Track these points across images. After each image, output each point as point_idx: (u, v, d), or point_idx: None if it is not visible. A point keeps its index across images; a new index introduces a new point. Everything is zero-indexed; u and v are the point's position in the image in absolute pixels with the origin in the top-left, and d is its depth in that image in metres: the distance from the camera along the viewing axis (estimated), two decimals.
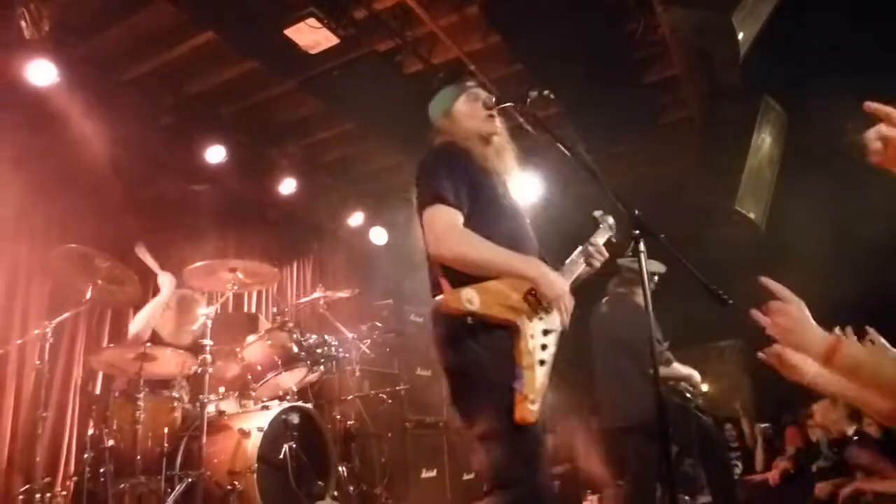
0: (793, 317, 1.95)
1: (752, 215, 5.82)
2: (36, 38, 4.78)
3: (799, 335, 1.94)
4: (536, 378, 2.35)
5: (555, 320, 2.50)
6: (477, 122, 2.82)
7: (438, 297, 2.42)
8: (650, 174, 8.21)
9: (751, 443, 7.82)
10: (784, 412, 8.23)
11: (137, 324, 5.16)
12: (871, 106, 1.79)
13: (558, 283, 2.49)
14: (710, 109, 6.20)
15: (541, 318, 2.47)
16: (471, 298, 2.37)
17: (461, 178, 2.57)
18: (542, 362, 2.40)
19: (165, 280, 5.26)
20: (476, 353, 2.38)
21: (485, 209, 2.59)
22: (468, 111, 2.85)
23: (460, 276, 2.43)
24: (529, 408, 2.27)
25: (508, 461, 2.31)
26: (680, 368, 5.07)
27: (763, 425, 7.76)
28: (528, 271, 2.46)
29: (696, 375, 5.17)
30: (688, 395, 5.07)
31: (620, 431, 5.07)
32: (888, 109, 1.77)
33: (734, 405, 8.82)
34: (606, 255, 2.95)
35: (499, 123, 2.87)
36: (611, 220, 3.09)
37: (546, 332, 2.46)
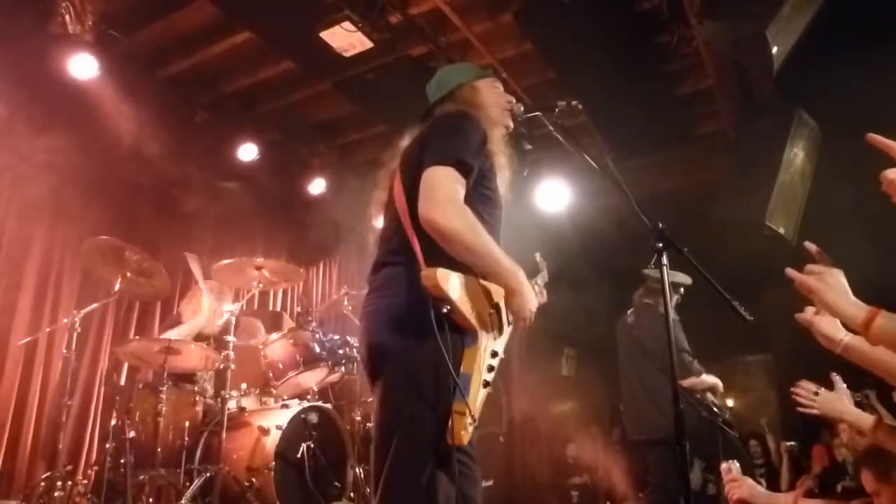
0: (829, 281, 1.96)
1: (781, 230, 5.73)
2: (79, 32, 4.87)
3: (836, 300, 1.95)
4: (478, 398, 2.11)
5: (502, 345, 2.27)
6: (496, 111, 2.66)
7: (425, 270, 2.07)
8: (681, 185, 8.15)
9: (776, 460, 7.73)
10: (811, 429, 8.14)
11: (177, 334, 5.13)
12: (875, 139, 1.80)
13: (532, 305, 2.32)
14: (742, 122, 6.14)
15: (494, 338, 2.23)
16: (455, 286, 2.08)
17: (478, 156, 2.33)
18: (486, 384, 2.15)
19: (209, 297, 5.22)
20: (438, 349, 2.02)
21: (478, 199, 2.32)
22: (490, 95, 2.69)
23: (436, 249, 2.14)
24: (468, 427, 2.01)
25: (416, 476, 2.03)
26: (705, 378, 5.02)
27: (789, 443, 7.67)
28: (513, 279, 2.24)
29: (720, 385, 5.13)
30: (715, 409, 5.03)
31: (644, 444, 5.05)
32: (890, 143, 1.78)
33: (760, 421, 8.73)
34: (545, 299, 2.70)
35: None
36: (545, 271, 2.87)
37: (494, 354, 2.22)
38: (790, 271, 2.03)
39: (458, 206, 2.16)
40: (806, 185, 5.89)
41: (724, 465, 2.92)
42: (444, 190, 2.17)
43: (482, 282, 2.20)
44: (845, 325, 2.05)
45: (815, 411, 2.80)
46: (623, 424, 6.37)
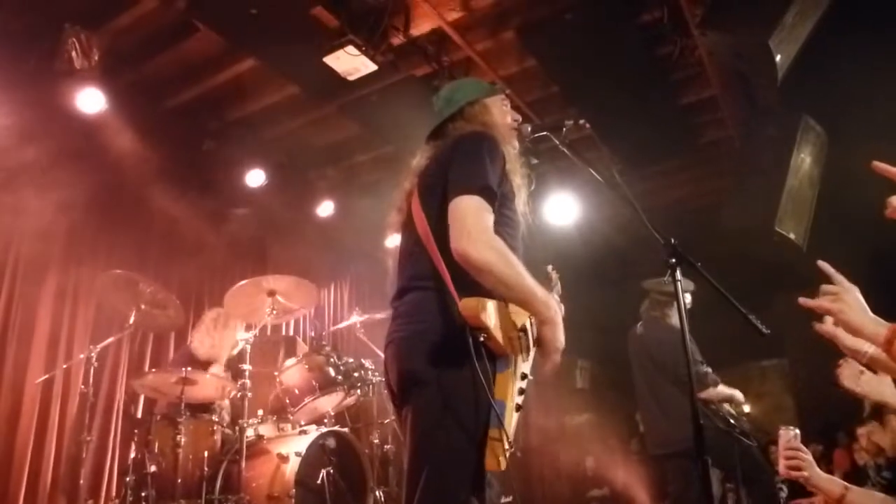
0: (848, 301, 1.94)
1: (792, 236, 5.72)
2: (86, 67, 4.91)
3: (855, 319, 1.92)
4: (512, 422, 2.09)
5: (529, 366, 2.25)
6: (507, 130, 2.62)
7: (465, 300, 2.04)
8: (689, 194, 8.17)
9: None
10: (831, 433, 8.11)
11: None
12: (879, 166, 1.80)
13: (563, 334, 2.26)
14: (748, 129, 6.14)
15: (523, 360, 2.20)
16: (491, 314, 2.06)
17: (500, 180, 2.29)
18: (518, 407, 2.14)
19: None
20: (475, 377, 2.02)
21: (500, 221, 2.26)
22: (500, 113, 2.65)
23: (464, 274, 2.11)
24: (506, 452, 2.00)
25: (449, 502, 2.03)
26: (723, 389, 5.00)
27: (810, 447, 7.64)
28: (546, 310, 2.19)
29: (739, 395, 5.10)
30: (732, 420, 5.00)
31: (662, 457, 5.04)
32: (893, 170, 1.78)
33: (777, 427, 8.68)
34: (563, 312, 2.49)
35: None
36: (559, 284, 2.83)
37: (523, 377, 2.19)
38: (803, 300, 2.02)
39: (490, 238, 2.12)
40: (814, 189, 5.89)
41: (783, 430, 2.77)
42: (474, 222, 2.13)
43: (509, 306, 2.18)
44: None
45: (858, 389, 2.75)
46: (640, 435, 6.37)
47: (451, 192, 2.20)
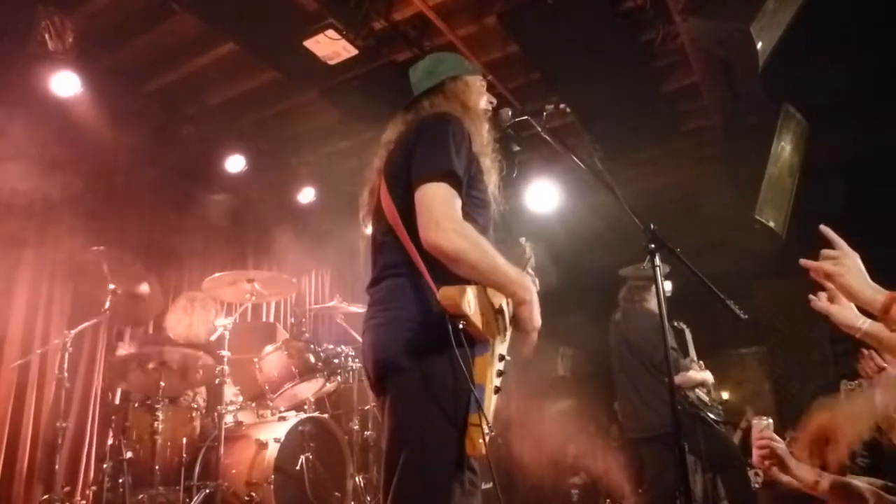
0: (847, 264, 1.95)
1: (771, 224, 5.75)
2: (60, 50, 4.83)
3: (854, 283, 1.94)
4: (492, 406, 2.08)
5: (506, 347, 2.23)
6: (481, 112, 2.57)
7: (444, 289, 1.99)
8: (670, 182, 8.19)
9: None
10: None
11: None
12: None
13: (539, 313, 2.24)
14: (730, 117, 6.15)
15: (500, 342, 2.19)
16: (470, 301, 2.01)
17: (465, 163, 2.23)
18: (497, 389, 2.12)
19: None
20: (454, 364, 2.01)
21: (468, 203, 2.24)
22: (477, 94, 2.59)
23: (441, 263, 2.09)
24: (486, 437, 1.98)
25: (429, 490, 2.02)
26: (693, 375, 5.04)
27: (790, 433, 7.72)
28: (521, 291, 2.17)
29: (710, 378, 5.14)
30: (701, 405, 5.04)
31: (639, 441, 5.09)
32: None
33: (746, 411, 8.79)
34: (538, 287, 2.47)
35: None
36: (533, 256, 2.80)
37: (501, 358, 2.17)
38: (804, 261, 2.02)
39: (460, 225, 2.09)
40: (794, 178, 5.92)
41: (755, 420, 2.78)
42: (441, 210, 2.09)
43: (487, 289, 2.16)
44: (862, 310, 2.03)
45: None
46: (620, 422, 6.42)
47: (416, 179, 2.16)
